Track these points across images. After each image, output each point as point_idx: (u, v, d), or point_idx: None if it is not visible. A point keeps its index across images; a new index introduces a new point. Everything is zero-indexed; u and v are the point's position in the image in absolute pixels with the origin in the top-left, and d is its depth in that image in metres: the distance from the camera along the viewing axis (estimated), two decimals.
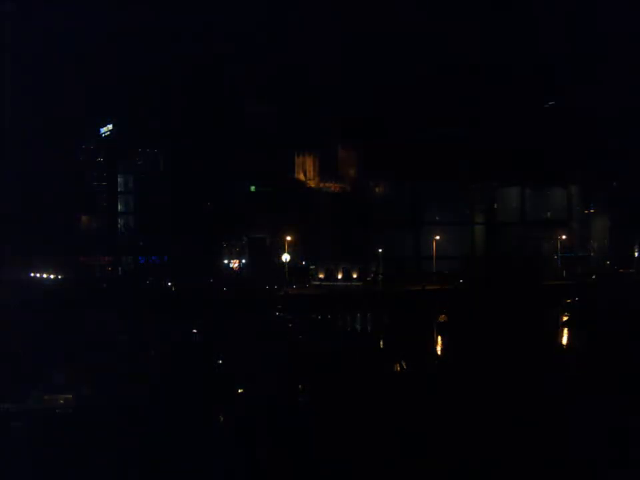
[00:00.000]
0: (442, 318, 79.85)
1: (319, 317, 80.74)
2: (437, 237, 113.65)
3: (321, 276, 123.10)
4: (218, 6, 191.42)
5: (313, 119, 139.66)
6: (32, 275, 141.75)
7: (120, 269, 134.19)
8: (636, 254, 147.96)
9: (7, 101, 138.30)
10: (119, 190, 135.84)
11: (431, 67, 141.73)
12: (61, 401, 32.39)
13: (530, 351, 51.00)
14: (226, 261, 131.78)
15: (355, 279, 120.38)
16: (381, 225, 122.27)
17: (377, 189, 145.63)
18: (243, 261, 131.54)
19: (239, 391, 36.24)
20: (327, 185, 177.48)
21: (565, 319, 74.83)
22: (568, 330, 66.27)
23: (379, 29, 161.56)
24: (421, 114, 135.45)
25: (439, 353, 53.39)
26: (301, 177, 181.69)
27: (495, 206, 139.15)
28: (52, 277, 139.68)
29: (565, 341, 60.96)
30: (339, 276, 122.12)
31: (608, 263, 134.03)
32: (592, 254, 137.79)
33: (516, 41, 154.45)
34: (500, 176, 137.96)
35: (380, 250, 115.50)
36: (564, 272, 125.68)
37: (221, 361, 45.90)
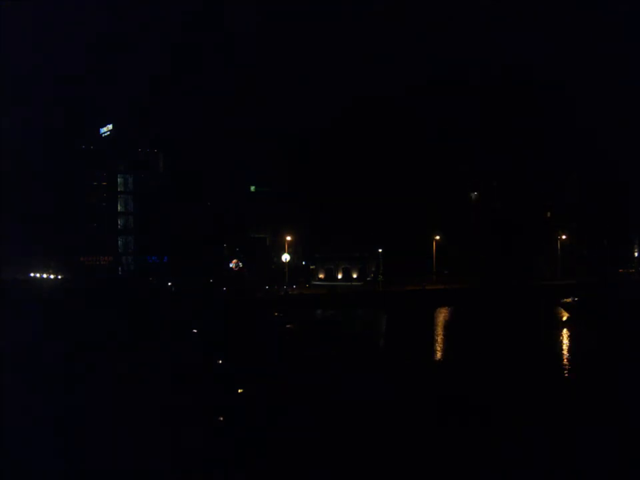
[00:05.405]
0: (442, 318, 79.88)
1: (319, 318, 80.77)
2: (437, 237, 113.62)
3: (321, 276, 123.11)
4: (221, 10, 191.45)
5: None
6: (32, 275, 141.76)
7: (120, 269, 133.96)
8: (636, 254, 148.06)
9: (7, 101, 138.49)
10: (118, 190, 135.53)
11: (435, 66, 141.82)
12: None
13: (527, 352, 51.01)
14: (226, 261, 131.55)
15: (355, 278, 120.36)
16: (381, 224, 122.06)
17: (376, 189, 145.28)
18: (243, 261, 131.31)
19: (239, 390, 36.29)
20: None
21: (564, 318, 74.85)
22: (567, 330, 66.23)
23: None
24: (421, 113, 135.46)
25: (437, 354, 53.27)
26: None
27: (495, 205, 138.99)
28: (52, 277, 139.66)
29: (564, 340, 60.87)
30: (339, 276, 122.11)
31: (608, 262, 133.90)
32: (592, 254, 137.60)
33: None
34: (500, 175, 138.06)
35: (380, 250, 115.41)
36: (564, 272, 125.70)
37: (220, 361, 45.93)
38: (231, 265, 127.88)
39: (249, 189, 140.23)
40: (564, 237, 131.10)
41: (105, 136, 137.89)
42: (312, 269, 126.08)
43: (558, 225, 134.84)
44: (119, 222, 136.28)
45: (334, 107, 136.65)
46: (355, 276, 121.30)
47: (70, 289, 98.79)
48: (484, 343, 55.77)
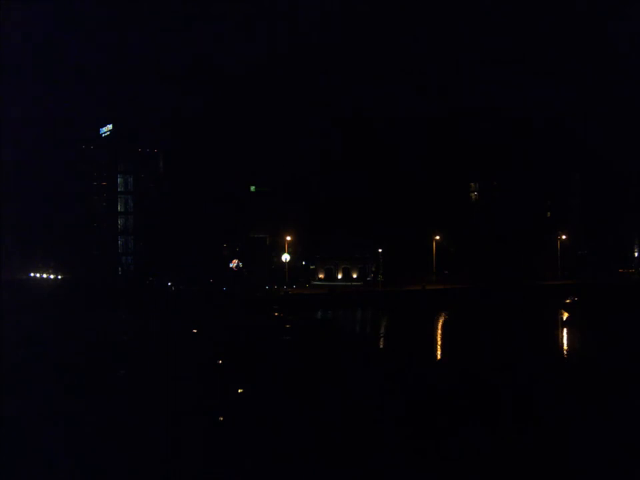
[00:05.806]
0: (443, 318, 79.90)
1: (319, 318, 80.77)
2: (437, 237, 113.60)
3: (321, 276, 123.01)
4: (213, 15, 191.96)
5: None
6: (32, 275, 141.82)
7: (120, 269, 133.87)
8: (636, 254, 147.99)
9: (7, 101, 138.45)
10: (118, 190, 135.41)
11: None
12: None
13: (527, 351, 51.03)
14: (226, 261, 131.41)
15: (355, 278, 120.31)
16: (381, 224, 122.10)
17: (376, 189, 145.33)
18: (243, 261, 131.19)
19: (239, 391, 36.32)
20: None
21: (564, 318, 74.85)
22: (567, 329, 66.26)
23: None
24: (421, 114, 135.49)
25: (438, 354, 53.29)
26: None
27: (495, 205, 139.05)
28: (52, 277, 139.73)
29: (564, 340, 60.93)
30: (339, 276, 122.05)
31: (608, 262, 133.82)
32: (592, 254, 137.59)
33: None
34: (500, 175, 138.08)
35: (380, 250, 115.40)
36: (564, 272, 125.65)
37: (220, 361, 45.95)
38: (231, 265, 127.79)
39: (249, 188, 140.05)
40: (564, 237, 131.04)
41: (104, 136, 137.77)
42: (312, 268, 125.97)
43: (558, 225, 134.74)
44: (119, 222, 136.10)
45: (333, 107, 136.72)
46: (354, 276, 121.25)
47: (70, 289, 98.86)
48: (484, 342, 55.75)
